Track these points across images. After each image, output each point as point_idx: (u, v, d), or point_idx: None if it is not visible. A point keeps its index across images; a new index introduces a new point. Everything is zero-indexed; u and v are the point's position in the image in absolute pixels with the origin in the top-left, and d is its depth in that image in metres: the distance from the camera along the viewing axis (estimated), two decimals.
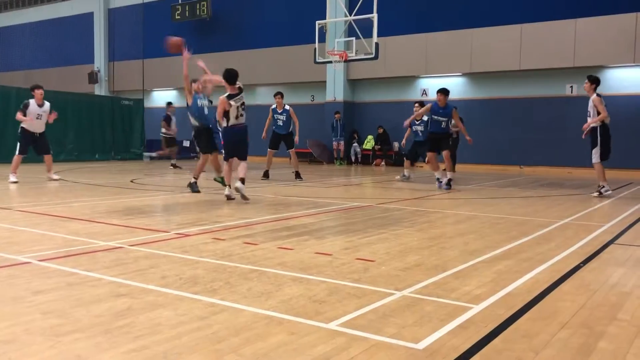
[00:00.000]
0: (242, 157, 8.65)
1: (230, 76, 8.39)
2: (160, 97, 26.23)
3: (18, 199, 8.63)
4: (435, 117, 11.14)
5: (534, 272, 4.21)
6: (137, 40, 25.64)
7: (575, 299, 3.54)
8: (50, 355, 2.51)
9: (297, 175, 12.53)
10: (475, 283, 3.85)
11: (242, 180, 8.39)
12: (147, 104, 24.65)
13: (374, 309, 3.23)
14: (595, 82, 9.69)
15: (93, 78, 27.09)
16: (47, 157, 11.49)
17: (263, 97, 22.65)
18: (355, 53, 15.93)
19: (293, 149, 12.71)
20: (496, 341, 2.76)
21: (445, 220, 7.11)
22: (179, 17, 23.90)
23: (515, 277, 4.05)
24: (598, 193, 9.96)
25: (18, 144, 11.20)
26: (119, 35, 26.83)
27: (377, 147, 20.27)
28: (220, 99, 8.34)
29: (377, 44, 15.20)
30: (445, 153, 11.25)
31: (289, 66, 21.67)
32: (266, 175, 12.71)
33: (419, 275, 4.06)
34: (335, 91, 20.80)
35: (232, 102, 8.33)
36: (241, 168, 8.55)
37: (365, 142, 20.84)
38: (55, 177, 11.54)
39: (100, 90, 27.13)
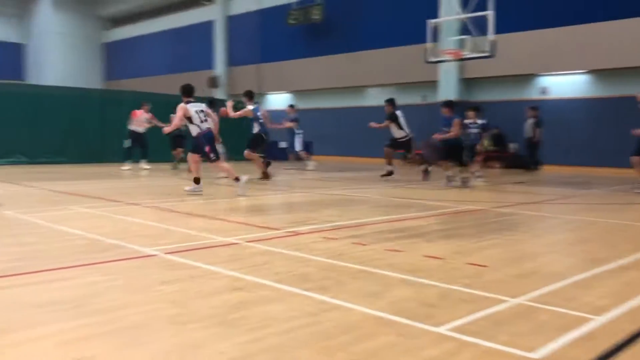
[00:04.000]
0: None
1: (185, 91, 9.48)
2: (275, 100, 27.12)
3: (146, 195, 9.32)
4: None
5: None
6: (253, 46, 26.73)
7: None
8: (173, 342, 2.70)
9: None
10: (597, 293, 3.61)
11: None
12: (265, 106, 25.53)
13: (486, 315, 3.14)
14: None
15: (213, 83, 28.57)
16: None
17: (373, 98, 22.72)
18: (470, 52, 15.48)
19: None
20: (622, 356, 2.58)
21: (565, 226, 6.72)
22: (293, 21, 24.58)
23: None
24: None
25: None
26: (237, 41, 28.08)
27: (492, 148, 19.54)
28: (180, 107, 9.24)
29: (493, 42, 14.68)
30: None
31: (399, 67, 21.53)
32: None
33: (535, 282, 3.89)
34: (448, 91, 20.35)
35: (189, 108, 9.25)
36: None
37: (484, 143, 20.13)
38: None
39: (219, 94, 28.55)
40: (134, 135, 15.27)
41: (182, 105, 9.26)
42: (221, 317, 3.04)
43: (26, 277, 3.89)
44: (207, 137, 9.30)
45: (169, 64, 31.28)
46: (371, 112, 22.26)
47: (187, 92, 9.43)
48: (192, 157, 9.50)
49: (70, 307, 3.20)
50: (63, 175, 12.98)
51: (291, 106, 17.72)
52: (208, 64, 29.21)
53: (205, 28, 29.45)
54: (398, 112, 12.93)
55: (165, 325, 2.92)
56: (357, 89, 22.91)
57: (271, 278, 3.86)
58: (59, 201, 8.20)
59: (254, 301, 3.35)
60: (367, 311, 3.17)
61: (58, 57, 33.93)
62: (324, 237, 5.47)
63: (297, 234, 5.70)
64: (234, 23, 28.32)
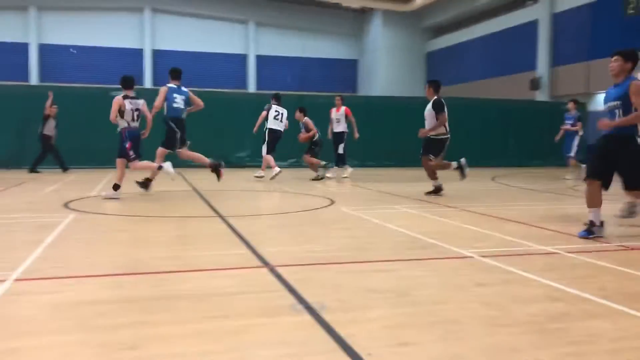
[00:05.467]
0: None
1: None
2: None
3: (462, 199, 9.48)
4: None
5: None
6: (581, 42, 24.73)
7: None
8: (488, 342, 2.73)
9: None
10: None
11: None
12: (592, 107, 23.46)
13: None
14: None
15: (535, 84, 27.39)
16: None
17: None
18: None
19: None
20: None
21: None
22: (632, 11, 21.89)
23: None
24: None
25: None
26: (563, 39, 26.35)
27: None
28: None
29: None
30: None
31: None
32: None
33: None
34: None
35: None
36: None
37: None
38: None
39: (541, 96, 27.23)
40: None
41: (118, 98, 8.50)
42: (539, 325, 2.95)
43: (356, 265, 4.41)
44: (132, 134, 8.58)
45: (489, 68, 31.17)
46: None
47: (127, 85, 8.64)
48: (120, 162, 8.70)
49: (392, 295, 3.52)
50: (388, 177, 14.12)
51: (574, 101, 14.95)
52: (529, 65, 28.11)
53: (528, 29, 28.40)
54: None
55: (481, 324, 2.97)
56: None
57: (595, 293, 3.56)
58: (385, 200, 8.99)
59: (575, 314, 3.15)
60: None
61: (385, 69, 37.03)
62: None
63: (630, 248, 5.10)
64: (560, 20, 26.63)
